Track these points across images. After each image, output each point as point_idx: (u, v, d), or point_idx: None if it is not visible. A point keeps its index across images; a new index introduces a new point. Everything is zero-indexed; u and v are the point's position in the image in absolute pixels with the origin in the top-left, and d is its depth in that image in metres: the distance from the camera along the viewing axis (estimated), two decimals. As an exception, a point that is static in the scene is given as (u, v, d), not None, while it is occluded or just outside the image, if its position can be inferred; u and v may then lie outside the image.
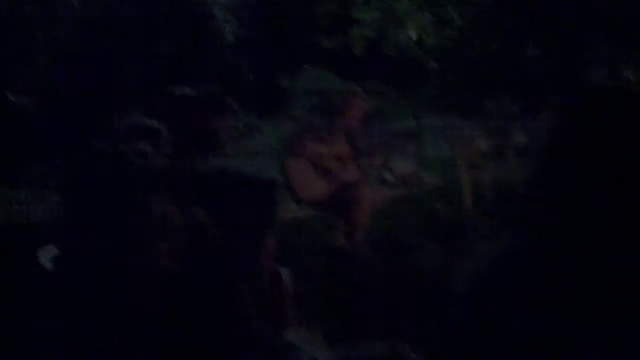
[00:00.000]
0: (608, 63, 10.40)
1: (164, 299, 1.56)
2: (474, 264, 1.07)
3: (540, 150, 1.10)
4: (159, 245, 1.56)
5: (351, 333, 2.66)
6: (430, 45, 11.39)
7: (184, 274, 1.60)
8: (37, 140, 7.28)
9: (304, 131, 4.65)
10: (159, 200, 1.58)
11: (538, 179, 1.11)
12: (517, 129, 7.58)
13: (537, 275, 1.03)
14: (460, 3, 10.24)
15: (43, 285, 1.69)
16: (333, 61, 15.20)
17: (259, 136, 12.52)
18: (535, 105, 7.43)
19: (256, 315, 1.76)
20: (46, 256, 1.89)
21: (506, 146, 6.82)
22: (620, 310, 0.99)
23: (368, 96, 5.34)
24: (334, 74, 15.94)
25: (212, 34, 9.35)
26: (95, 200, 1.55)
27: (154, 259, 1.57)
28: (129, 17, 8.83)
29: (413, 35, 11.67)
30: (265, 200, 1.63)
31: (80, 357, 1.48)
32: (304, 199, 4.55)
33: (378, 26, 11.50)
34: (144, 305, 1.55)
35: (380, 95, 14.40)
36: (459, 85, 11.17)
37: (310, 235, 5.09)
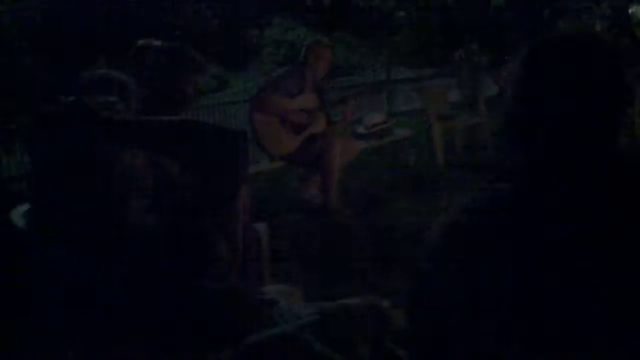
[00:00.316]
0: (574, 12, 10.49)
1: (136, 255, 1.54)
2: (446, 216, 1.07)
3: (508, 99, 1.11)
4: (129, 198, 1.54)
5: (329, 288, 2.68)
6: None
7: (156, 229, 1.58)
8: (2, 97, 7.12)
9: (270, 85, 4.55)
10: (127, 153, 1.55)
11: (506, 129, 1.12)
12: (486, 79, 7.61)
13: (510, 225, 1.04)
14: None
15: (16, 245, 1.66)
16: (301, 12, 15.06)
17: (227, 89, 12.43)
18: (502, 55, 7.45)
19: (234, 271, 1.74)
20: (18, 214, 1.86)
21: (475, 97, 6.85)
22: (589, 257, 1.01)
23: (338, 48, 5.27)
24: (303, 24, 15.81)
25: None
26: (62, 155, 1.52)
27: (124, 213, 1.54)
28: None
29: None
30: (236, 151, 1.60)
31: (55, 318, 1.46)
32: (274, 154, 4.50)
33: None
34: (117, 263, 1.53)
35: (350, 47, 14.32)
36: (427, 35, 11.16)
37: (284, 190, 5.07)
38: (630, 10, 10.71)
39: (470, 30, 9.77)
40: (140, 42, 3.06)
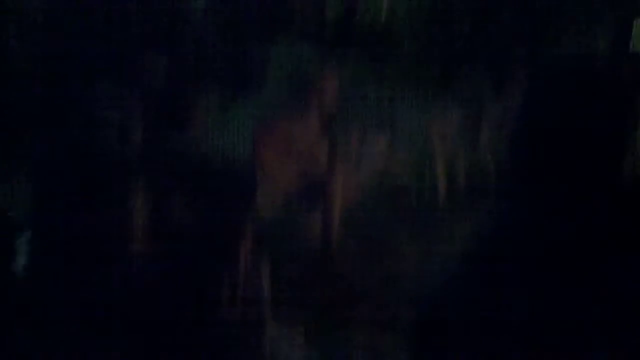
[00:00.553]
0: (578, 33, 10.45)
1: (137, 285, 1.54)
2: (449, 247, 1.08)
3: (512, 122, 1.12)
4: (133, 226, 1.55)
5: (331, 325, 2.66)
6: (403, 12, 11.32)
7: (158, 258, 1.59)
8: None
9: (274, 109, 4.57)
10: (131, 177, 1.56)
11: (511, 152, 1.13)
12: (490, 100, 7.62)
13: (514, 257, 1.05)
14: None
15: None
16: (305, 29, 15.04)
17: (231, 111, 12.32)
18: (507, 76, 7.44)
19: (234, 306, 1.74)
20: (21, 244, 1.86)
21: (479, 118, 6.84)
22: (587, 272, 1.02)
23: (341, 66, 5.28)
24: (307, 42, 15.78)
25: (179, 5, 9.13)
26: (64, 178, 1.52)
27: (127, 240, 1.55)
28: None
29: (385, 1, 11.59)
30: (248, 183, 1.61)
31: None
32: (276, 180, 4.52)
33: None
34: (117, 294, 1.53)
35: (353, 64, 14.31)
36: (431, 54, 11.13)
37: (285, 221, 5.04)
38: (633, 31, 10.70)
39: (475, 49, 9.76)
40: (146, 57, 3.09)
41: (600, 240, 1.00)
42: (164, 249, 1.61)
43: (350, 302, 3.35)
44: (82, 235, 1.49)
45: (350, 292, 3.57)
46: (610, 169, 1.04)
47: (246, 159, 1.80)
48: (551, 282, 0.99)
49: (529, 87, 1.11)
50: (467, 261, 1.08)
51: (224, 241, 1.61)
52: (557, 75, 1.08)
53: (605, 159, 1.05)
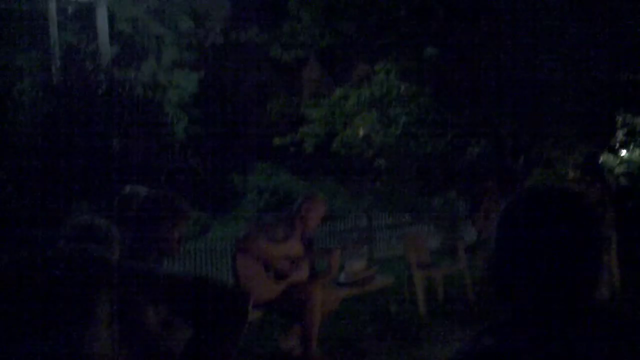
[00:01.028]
0: (548, 161, 10.87)
1: None
2: None
3: (490, 246, 1.14)
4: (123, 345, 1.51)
5: None
6: (378, 143, 11.70)
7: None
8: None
9: (257, 229, 4.54)
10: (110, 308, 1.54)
11: (490, 283, 1.13)
12: (465, 226, 7.71)
13: None
14: (404, 102, 10.62)
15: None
16: (284, 158, 15.41)
17: (210, 234, 12.40)
18: (480, 202, 7.60)
19: None
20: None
21: (455, 244, 6.92)
22: None
23: (323, 196, 5.36)
24: (285, 171, 16.11)
25: (164, 131, 9.37)
26: (46, 309, 1.49)
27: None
28: (79, 114, 8.82)
29: (360, 132, 12.01)
30: (239, 311, 1.59)
31: None
32: (255, 300, 4.39)
33: (327, 123, 11.82)
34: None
35: (332, 194, 14.54)
36: (407, 182, 11.41)
37: (264, 340, 4.93)
38: (600, 159, 11.14)
39: (448, 176, 10.04)
40: (126, 189, 3.08)
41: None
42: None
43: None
44: None
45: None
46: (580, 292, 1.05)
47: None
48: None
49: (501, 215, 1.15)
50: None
51: None
52: (526, 214, 1.13)
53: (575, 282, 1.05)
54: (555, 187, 1.18)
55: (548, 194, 1.16)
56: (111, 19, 12.58)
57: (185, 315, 1.59)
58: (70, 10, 12.41)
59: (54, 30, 11.33)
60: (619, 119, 10.99)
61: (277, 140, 12.08)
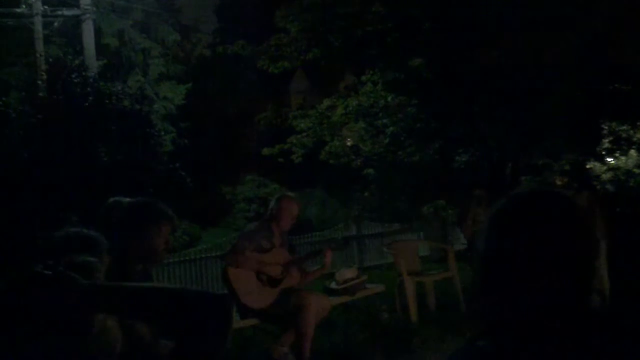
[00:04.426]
0: (535, 169, 10.95)
1: None
2: None
3: (478, 253, 1.13)
4: None
5: None
6: (366, 152, 11.75)
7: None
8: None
9: (243, 240, 4.56)
10: (101, 320, 1.52)
11: (481, 287, 1.13)
12: (454, 234, 7.73)
13: None
14: (392, 112, 10.67)
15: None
16: (272, 169, 15.44)
17: (200, 245, 12.38)
18: (468, 209, 7.63)
19: None
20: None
21: (445, 251, 6.93)
22: None
23: (309, 204, 5.36)
24: (274, 181, 16.14)
25: (152, 143, 9.34)
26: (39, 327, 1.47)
27: None
28: (66, 127, 8.77)
29: (348, 142, 12.05)
30: (222, 316, 1.57)
31: None
32: (250, 308, 4.40)
33: (315, 134, 11.86)
34: None
35: (321, 203, 14.58)
36: (395, 191, 11.43)
37: (255, 349, 4.91)
38: (587, 166, 11.22)
39: (437, 185, 10.08)
40: (111, 200, 3.07)
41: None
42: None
43: None
44: None
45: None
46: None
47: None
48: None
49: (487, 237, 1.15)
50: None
51: None
52: (515, 220, 1.13)
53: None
54: (544, 190, 1.17)
55: (537, 197, 1.16)
56: (97, 32, 12.59)
57: (164, 328, 1.57)
58: (56, 24, 12.40)
59: (39, 44, 11.38)
60: (605, 127, 11.10)
61: (265, 151, 12.12)
